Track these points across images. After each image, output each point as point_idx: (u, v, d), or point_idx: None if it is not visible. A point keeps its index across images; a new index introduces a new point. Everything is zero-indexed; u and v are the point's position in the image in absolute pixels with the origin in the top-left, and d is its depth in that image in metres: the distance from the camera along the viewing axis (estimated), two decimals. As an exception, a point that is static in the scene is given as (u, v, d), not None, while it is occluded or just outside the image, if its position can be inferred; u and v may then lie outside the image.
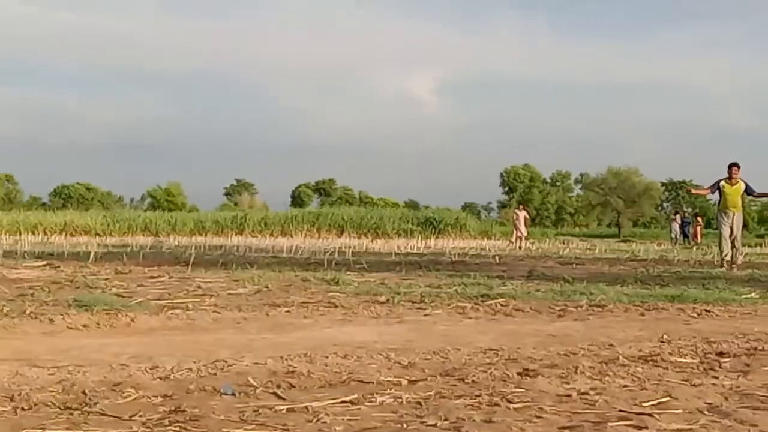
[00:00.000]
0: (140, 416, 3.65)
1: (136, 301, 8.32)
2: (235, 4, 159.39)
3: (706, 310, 8.30)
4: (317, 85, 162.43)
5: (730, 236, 17.33)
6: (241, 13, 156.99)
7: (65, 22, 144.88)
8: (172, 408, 3.79)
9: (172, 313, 7.50)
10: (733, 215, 17.31)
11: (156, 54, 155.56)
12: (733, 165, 17.39)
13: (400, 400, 4.01)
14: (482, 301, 8.79)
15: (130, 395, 4.06)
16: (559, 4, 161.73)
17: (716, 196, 17.85)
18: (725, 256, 17.24)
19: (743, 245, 18.21)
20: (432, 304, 8.59)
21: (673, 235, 43.74)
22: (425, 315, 7.84)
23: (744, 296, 9.62)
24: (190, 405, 3.84)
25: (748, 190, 17.58)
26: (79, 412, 3.73)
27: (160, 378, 4.52)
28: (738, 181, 17.33)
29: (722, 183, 17.42)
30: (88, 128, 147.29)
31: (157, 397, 4.04)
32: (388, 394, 4.14)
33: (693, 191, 18.64)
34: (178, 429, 3.47)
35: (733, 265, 16.90)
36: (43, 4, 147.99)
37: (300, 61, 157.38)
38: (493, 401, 3.98)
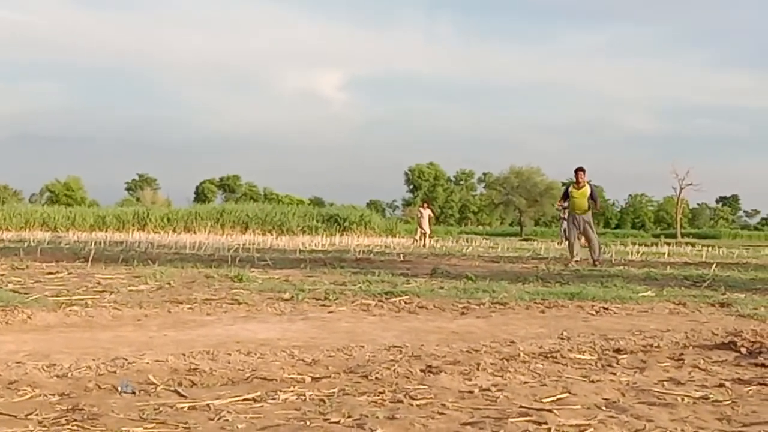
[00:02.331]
0: (36, 415, 3.56)
1: (33, 297, 8.11)
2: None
3: (604, 308, 8.47)
4: (223, 81, 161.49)
5: (578, 237, 17.85)
6: (147, 7, 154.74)
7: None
8: (70, 406, 3.71)
9: (70, 310, 7.33)
10: (581, 217, 17.85)
11: (60, 46, 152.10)
12: (579, 170, 18.15)
13: (303, 397, 4.00)
14: (386, 299, 8.82)
15: (26, 393, 3.96)
16: (465, 5, 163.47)
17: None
18: (575, 255, 17.72)
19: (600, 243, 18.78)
20: (336, 301, 8.58)
21: (562, 234, 44.37)
22: (329, 312, 7.83)
23: (640, 294, 9.85)
24: (88, 403, 3.76)
25: (593, 196, 18.00)
26: (-28, 411, 3.62)
27: (57, 376, 4.41)
28: (584, 185, 17.99)
29: (570, 188, 18.12)
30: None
31: (54, 395, 3.95)
32: (292, 391, 4.12)
33: (557, 205, 19.38)
34: (75, 428, 3.39)
35: (596, 262, 17.32)
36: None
37: (206, 57, 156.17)
38: (396, 398, 4.00)
